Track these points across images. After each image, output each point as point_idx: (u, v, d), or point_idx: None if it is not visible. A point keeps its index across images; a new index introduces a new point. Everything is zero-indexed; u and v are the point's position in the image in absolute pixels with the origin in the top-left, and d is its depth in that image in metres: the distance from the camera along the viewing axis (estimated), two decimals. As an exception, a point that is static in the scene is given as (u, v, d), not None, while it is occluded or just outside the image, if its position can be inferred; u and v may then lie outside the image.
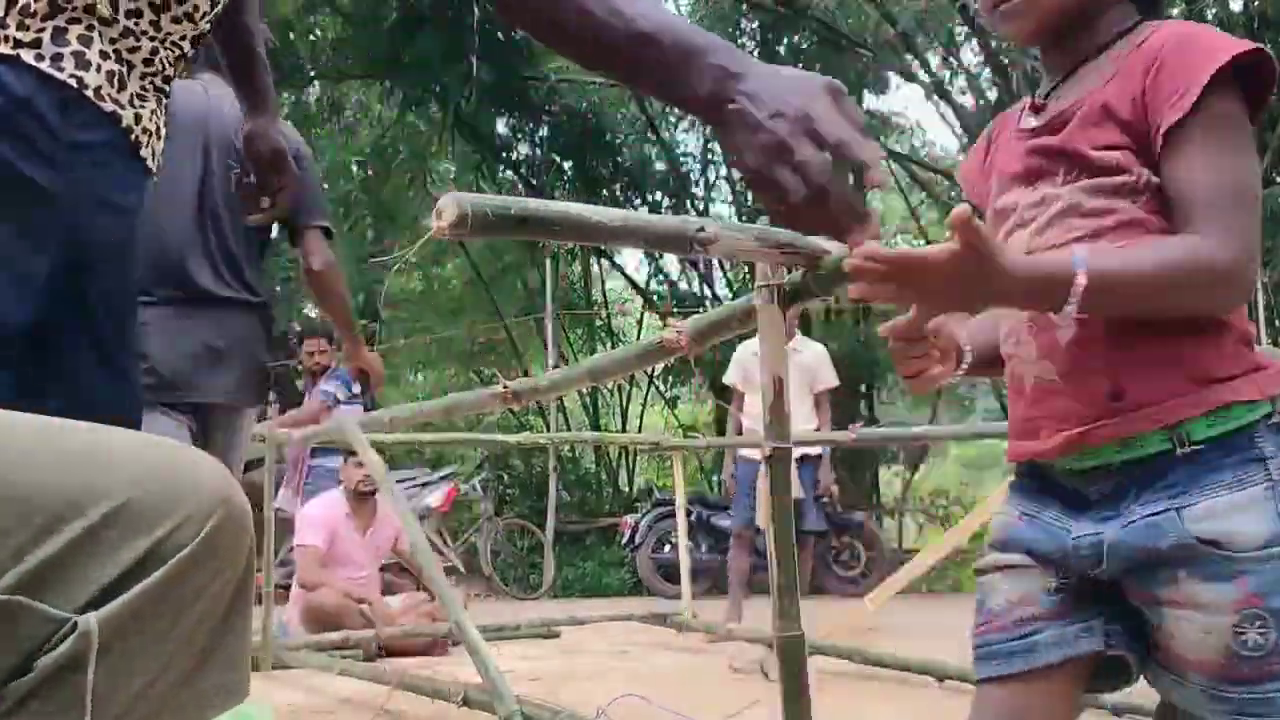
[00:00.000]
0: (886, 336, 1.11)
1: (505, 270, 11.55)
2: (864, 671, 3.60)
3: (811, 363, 5.21)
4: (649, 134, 10.45)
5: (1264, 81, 1.02)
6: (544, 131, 10.69)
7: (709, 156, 11.90)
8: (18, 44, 1.04)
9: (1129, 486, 1.02)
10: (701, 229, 1.59)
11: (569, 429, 10.55)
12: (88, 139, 1.08)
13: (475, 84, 8.79)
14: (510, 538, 8.47)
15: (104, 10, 1.08)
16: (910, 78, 9.19)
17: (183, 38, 1.17)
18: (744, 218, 11.10)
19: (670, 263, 11.31)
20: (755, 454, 5.00)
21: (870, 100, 10.46)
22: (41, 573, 0.62)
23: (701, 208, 11.04)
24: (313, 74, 10.11)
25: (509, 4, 1.05)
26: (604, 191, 10.50)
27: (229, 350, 2.32)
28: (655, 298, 11.54)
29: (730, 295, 10.18)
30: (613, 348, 9.81)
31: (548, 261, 9.64)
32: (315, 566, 4.70)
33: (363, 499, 4.90)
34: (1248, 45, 1.00)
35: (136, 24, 1.11)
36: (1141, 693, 2.68)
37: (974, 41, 8.42)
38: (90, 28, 1.08)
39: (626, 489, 10.75)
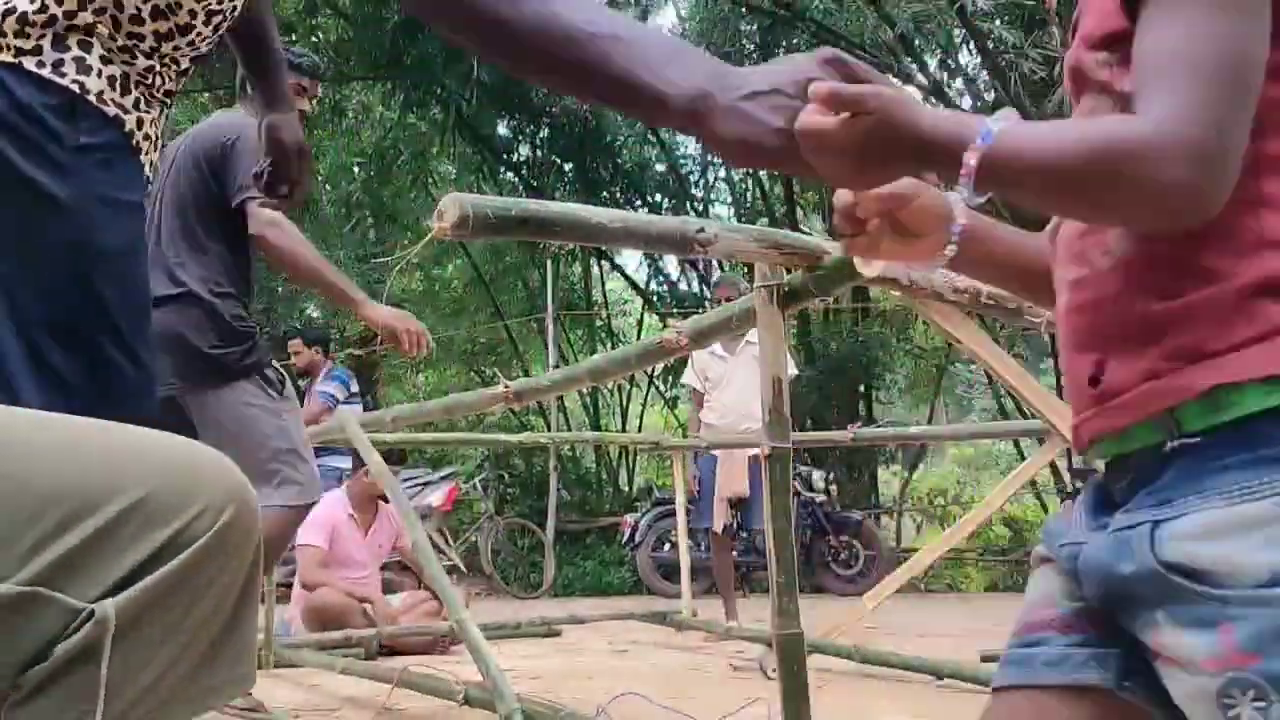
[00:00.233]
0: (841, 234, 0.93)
1: (506, 271, 11.56)
2: (863, 670, 3.62)
3: None
4: (649, 136, 10.46)
5: None
6: (545, 133, 10.69)
7: (708, 158, 11.93)
8: (19, 52, 1.06)
9: (1139, 484, 0.78)
10: (701, 230, 1.61)
11: (569, 429, 10.55)
12: (92, 141, 1.10)
13: (476, 86, 8.81)
14: (511, 537, 8.48)
15: (103, 30, 1.10)
16: (908, 79, 9.20)
17: (183, 57, 1.19)
18: (743, 219, 11.12)
19: (670, 263, 11.32)
20: (716, 451, 5.05)
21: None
22: (60, 565, 0.63)
23: (701, 209, 11.05)
24: (313, 75, 10.10)
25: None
26: (604, 193, 10.51)
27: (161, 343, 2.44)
28: (655, 298, 11.56)
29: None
30: (613, 348, 9.82)
31: (548, 262, 9.65)
32: (317, 566, 4.71)
33: (368, 501, 4.92)
34: None
35: (138, 45, 1.13)
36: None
37: (972, 44, 8.43)
38: (90, 34, 1.10)
39: (626, 488, 10.76)
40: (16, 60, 1.05)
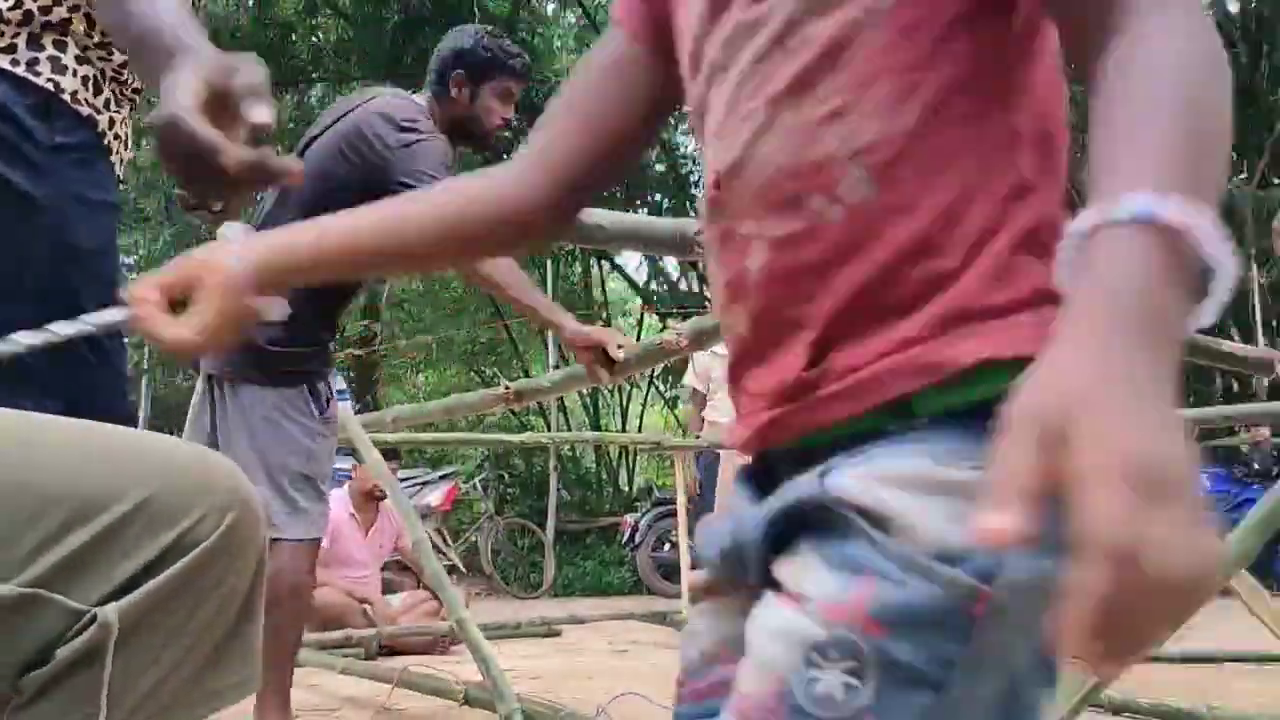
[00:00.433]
0: None
1: (505, 271, 11.56)
2: (863, 670, 3.62)
3: None
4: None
5: None
6: (545, 133, 10.71)
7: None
8: None
9: (821, 460, 0.60)
10: (700, 231, 1.61)
11: (569, 429, 10.56)
12: (67, 141, 1.10)
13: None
14: (511, 537, 8.49)
15: (78, 27, 1.10)
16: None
17: None
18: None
19: (670, 263, 11.33)
20: (719, 451, 5.07)
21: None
22: (62, 567, 0.63)
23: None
24: (315, 76, 10.13)
25: None
26: (604, 193, 10.52)
27: None
28: (655, 298, 11.56)
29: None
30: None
31: (548, 262, 9.66)
32: (318, 565, 4.71)
33: (369, 501, 4.93)
34: None
35: (114, 40, 1.13)
36: (1141, 692, 2.70)
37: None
38: (64, 32, 1.10)
39: (626, 488, 10.77)
40: None
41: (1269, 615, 2.34)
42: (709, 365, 5.24)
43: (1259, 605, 2.35)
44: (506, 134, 2.53)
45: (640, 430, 10.54)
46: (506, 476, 10.02)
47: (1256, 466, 7.21)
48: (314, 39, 9.65)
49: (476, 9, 8.41)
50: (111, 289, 1.18)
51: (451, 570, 7.22)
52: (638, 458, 10.85)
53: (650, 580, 7.60)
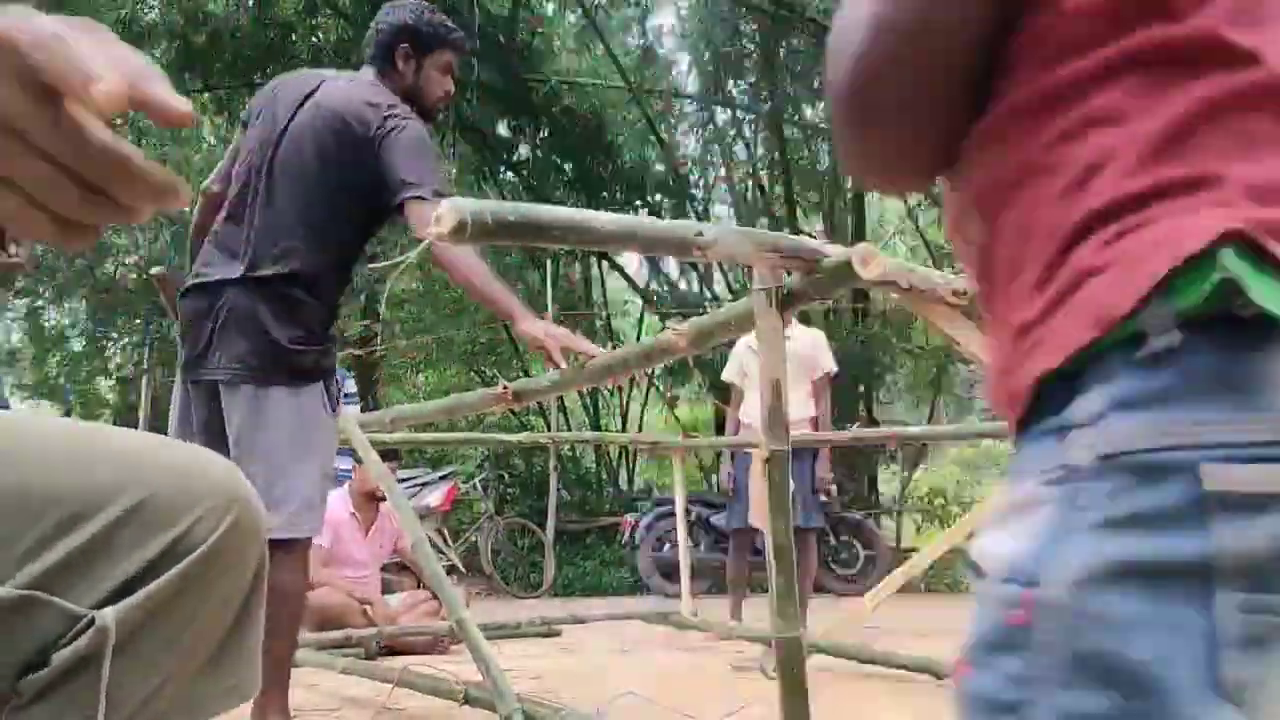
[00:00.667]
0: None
1: (506, 271, 11.55)
2: (863, 670, 3.62)
3: (807, 349, 5.05)
4: (650, 136, 10.46)
5: None
6: (545, 133, 10.70)
7: (708, 158, 11.93)
8: None
9: None
10: (700, 233, 1.61)
11: (569, 429, 10.55)
12: None
13: (476, 86, 8.81)
14: (511, 537, 8.48)
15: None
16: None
17: None
18: (743, 219, 11.13)
19: (670, 264, 11.33)
20: (753, 451, 5.00)
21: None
22: (59, 569, 0.63)
23: (701, 209, 11.05)
24: (314, 75, 10.10)
25: None
26: (604, 193, 10.52)
27: (234, 323, 2.33)
28: (655, 299, 11.56)
29: (730, 296, 10.19)
30: (613, 348, 9.79)
31: (548, 262, 9.65)
32: (317, 566, 4.71)
33: (370, 501, 4.92)
34: None
35: None
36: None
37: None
38: None
39: (626, 488, 10.76)
40: None
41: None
42: (746, 360, 5.03)
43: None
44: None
45: (640, 430, 10.53)
46: (506, 476, 10.01)
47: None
48: (314, 39, 9.63)
49: (476, 9, 8.40)
50: None
51: (451, 570, 7.22)
52: (638, 458, 10.85)
53: (650, 580, 7.59)
